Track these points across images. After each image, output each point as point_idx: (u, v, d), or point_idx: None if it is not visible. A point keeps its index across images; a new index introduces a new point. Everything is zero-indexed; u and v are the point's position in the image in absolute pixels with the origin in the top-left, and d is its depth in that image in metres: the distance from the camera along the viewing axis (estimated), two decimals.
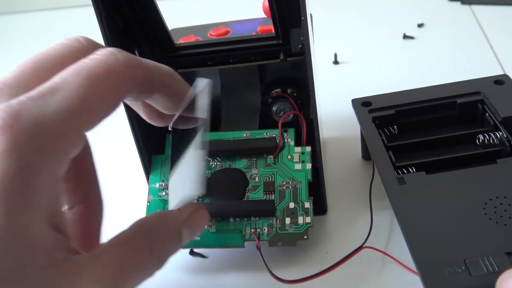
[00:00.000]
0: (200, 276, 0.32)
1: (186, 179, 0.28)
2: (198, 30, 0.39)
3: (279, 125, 0.34)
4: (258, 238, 0.31)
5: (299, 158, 0.33)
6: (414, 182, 0.30)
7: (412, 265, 0.27)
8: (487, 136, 0.33)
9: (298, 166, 0.33)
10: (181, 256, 0.34)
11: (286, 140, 0.34)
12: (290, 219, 0.31)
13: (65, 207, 0.27)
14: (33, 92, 0.21)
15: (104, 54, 0.24)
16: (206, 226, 0.32)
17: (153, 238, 0.25)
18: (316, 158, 0.33)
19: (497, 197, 0.27)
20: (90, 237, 0.28)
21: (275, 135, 0.34)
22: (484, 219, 0.26)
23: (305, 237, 0.30)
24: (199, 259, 0.33)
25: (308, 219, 0.31)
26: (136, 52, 0.34)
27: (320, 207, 0.34)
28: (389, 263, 0.31)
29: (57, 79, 0.22)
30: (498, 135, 0.33)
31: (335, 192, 0.37)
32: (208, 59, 0.34)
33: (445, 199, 0.28)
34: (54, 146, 0.21)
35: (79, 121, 0.22)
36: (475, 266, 0.24)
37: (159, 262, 0.25)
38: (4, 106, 0.21)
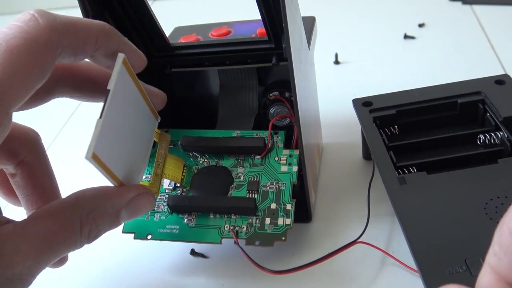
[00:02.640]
0: (200, 276, 0.32)
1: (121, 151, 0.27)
2: (201, 29, 0.39)
3: (269, 126, 0.34)
4: (236, 235, 0.31)
5: (286, 161, 0.33)
6: (415, 182, 0.30)
7: (412, 264, 0.27)
8: (488, 136, 0.33)
9: (284, 168, 0.33)
10: (182, 256, 0.34)
11: (275, 142, 0.34)
12: (270, 220, 0.31)
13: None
14: None
15: (24, 20, 0.22)
16: (185, 220, 0.32)
17: (86, 214, 0.24)
18: (301, 164, 0.32)
19: (498, 197, 0.27)
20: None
21: (264, 136, 0.34)
22: (485, 219, 0.26)
23: (283, 238, 0.30)
24: (199, 259, 0.33)
25: (288, 221, 0.31)
26: None
27: (305, 215, 0.34)
28: (388, 262, 0.31)
29: None
30: (499, 135, 0.33)
31: (334, 191, 0.37)
32: (205, 59, 0.34)
33: (446, 199, 0.28)
34: None
35: (2, 102, 0.21)
36: (476, 266, 0.24)
37: (88, 238, 0.25)
38: None
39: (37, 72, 0.22)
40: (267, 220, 0.31)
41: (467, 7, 0.61)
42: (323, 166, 0.40)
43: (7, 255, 0.22)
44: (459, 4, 0.62)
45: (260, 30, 0.37)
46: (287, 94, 0.37)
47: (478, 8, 0.60)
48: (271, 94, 0.37)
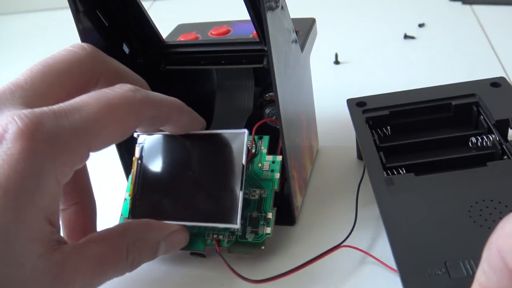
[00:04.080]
0: (200, 276, 0.32)
1: None
2: (202, 27, 0.39)
3: (253, 131, 0.33)
4: (219, 244, 0.31)
5: (269, 167, 0.32)
6: (402, 183, 0.30)
7: (394, 265, 0.27)
8: (479, 139, 0.33)
9: (266, 175, 0.32)
10: (181, 256, 0.33)
11: (259, 147, 0.33)
12: (251, 228, 0.31)
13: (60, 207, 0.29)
14: (55, 107, 0.24)
15: (124, 89, 0.26)
16: None
17: (132, 243, 0.27)
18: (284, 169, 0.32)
19: (483, 200, 0.27)
20: (82, 234, 0.29)
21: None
22: (468, 222, 0.26)
23: (263, 247, 0.30)
24: (199, 259, 0.33)
25: (268, 230, 0.30)
26: (125, 47, 0.34)
27: (289, 218, 0.34)
28: (369, 263, 0.30)
29: (79, 100, 0.25)
30: (491, 138, 0.33)
31: (327, 194, 0.37)
32: (201, 58, 0.35)
33: (431, 200, 0.28)
34: (65, 158, 0.23)
35: (90, 141, 0.24)
36: (455, 269, 0.24)
37: (131, 266, 0.27)
38: (28, 112, 0.23)
39: (123, 130, 0.26)
40: (248, 229, 0.31)
41: (467, 7, 0.61)
42: (319, 168, 0.40)
43: (70, 272, 0.24)
44: (459, 4, 0.62)
45: None
46: None
47: (478, 8, 0.60)
48: (267, 95, 0.37)
